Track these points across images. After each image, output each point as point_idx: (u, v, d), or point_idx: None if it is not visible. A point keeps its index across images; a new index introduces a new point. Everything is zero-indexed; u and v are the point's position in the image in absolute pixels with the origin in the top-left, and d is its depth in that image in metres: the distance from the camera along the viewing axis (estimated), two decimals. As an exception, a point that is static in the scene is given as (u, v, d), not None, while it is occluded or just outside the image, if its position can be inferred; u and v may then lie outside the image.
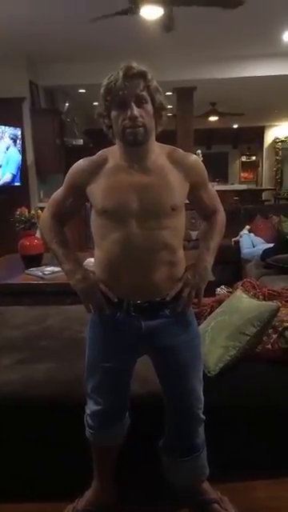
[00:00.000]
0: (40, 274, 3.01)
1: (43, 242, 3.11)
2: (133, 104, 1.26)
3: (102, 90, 1.30)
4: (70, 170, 1.45)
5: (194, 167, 1.41)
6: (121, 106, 1.27)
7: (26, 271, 3.14)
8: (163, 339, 1.41)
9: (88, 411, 1.53)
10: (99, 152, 1.42)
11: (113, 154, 1.38)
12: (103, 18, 3.71)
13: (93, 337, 1.49)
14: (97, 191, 1.36)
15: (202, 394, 1.50)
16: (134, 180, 1.32)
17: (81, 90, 6.43)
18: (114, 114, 1.29)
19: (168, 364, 1.46)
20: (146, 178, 1.33)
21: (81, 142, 6.35)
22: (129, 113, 1.26)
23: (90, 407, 1.52)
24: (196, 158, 1.43)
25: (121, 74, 1.25)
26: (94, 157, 1.40)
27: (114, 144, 1.39)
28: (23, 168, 5.41)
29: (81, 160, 1.42)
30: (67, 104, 6.41)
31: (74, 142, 6.25)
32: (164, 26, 3.93)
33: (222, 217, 1.54)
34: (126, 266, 1.35)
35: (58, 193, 1.50)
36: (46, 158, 5.72)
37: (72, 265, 1.44)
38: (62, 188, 1.48)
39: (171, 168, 1.36)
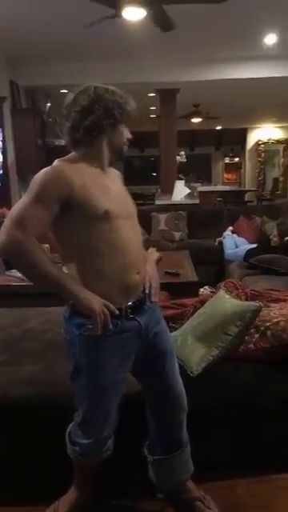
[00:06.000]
0: (20, 275, 2.96)
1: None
2: None
3: (120, 100, 1.35)
4: (45, 181, 1.25)
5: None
6: (126, 125, 1.41)
7: (6, 273, 3.10)
8: (154, 327, 1.47)
9: (79, 440, 1.47)
10: (62, 162, 1.34)
11: (76, 161, 1.34)
12: (96, 23, 3.66)
13: (97, 361, 1.36)
14: (90, 195, 1.28)
15: None
16: (112, 186, 1.40)
17: (63, 91, 6.39)
18: (121, 128, 1.39)
19: (163, 350, 1.49)
20: (118, 185, 1.46)
21: (63, 142, 6.29)
22: (129, 135, 1.42)
23: (84, 438, 1.46)
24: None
25: (132, 104, 1.39)
26: (68, 162, 1.34)
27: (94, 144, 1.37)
28: (4, 169, 5.33)
29: (58, 166, 1.30)
30: (49, 104, 6.35)
31: (56, 143, 6.19)
32: (162, 26, 3.86)
33: None
34: (124, 269, 1.36)
35: (32, 209, 1.24)
36: (28, 158, 5.66)
37: (76, 284, 1.30)
38: (36, 202, 1.24)
39: None
